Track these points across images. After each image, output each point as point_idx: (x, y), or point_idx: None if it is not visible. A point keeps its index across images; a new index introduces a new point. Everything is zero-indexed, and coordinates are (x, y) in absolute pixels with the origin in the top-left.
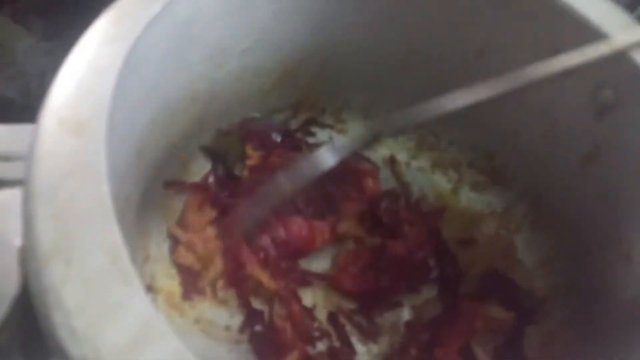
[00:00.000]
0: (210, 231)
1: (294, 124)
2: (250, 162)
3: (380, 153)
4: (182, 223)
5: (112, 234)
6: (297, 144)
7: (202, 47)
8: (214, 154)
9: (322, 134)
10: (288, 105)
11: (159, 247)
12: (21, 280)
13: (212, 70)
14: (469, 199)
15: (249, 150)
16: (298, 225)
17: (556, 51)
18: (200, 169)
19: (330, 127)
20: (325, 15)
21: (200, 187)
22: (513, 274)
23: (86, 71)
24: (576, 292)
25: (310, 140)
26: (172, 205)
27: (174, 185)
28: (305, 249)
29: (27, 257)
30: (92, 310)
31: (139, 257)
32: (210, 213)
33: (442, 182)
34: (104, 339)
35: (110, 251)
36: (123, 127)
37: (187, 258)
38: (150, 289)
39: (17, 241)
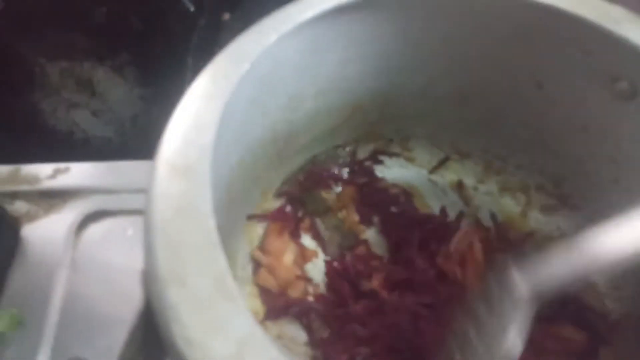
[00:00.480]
0: (288, 257)
1: (361, 154)
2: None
3: (447, 178)
4: (263, 247)
5: (218, 262)
6: (366, 172)
7: (281, 95)
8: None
9: (390, 162)
10: (355, 138)
11: (244, 270)
12: (144, 300)
13: (290, 113)
14: (538, 221)
15: (324, 194)
16: None
17: (614, 80)
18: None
19: (398, 155)
20: (385, 59)
21: (280, 216)
22: (585, 296)
23: (191, 124)
24: None
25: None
26: (254, 231)
27: (256, 216)
28: None
29: (149, 280)
30: (204, 324)
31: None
32: (288, 239)
33: (510, 205)
34: (214, 348)
35: (216, 276)
36: (218, 170)
37: (268, 280)
38: None
39: (138, 265)
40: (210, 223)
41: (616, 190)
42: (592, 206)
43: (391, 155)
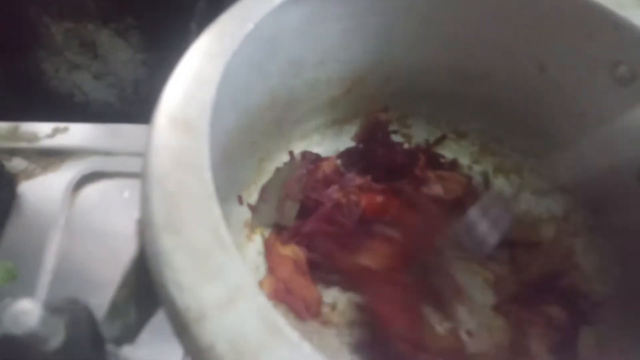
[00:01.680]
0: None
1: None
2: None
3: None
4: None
5: (214, 212)
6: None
7: (282, 60)
8: None
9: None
10: (354, 113)
11: (239, 234)
12: (138, 246)
13: (290, 80)
14: (529, 202)
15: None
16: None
17: (615, 64)
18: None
19: (395, 132)
20: (388, 33)
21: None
22: (571, 277)
23: (192, 81)
24: (633, 299)
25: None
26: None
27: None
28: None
29: (144, 228)
30: (196, 271)
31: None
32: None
33: (503, 185)
34: (205, 294)
35: (211, 225)
36: (216, 130)
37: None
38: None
39: (135, 215)
40: (207, 176)
41: (609, 176)
42: (584, 191)
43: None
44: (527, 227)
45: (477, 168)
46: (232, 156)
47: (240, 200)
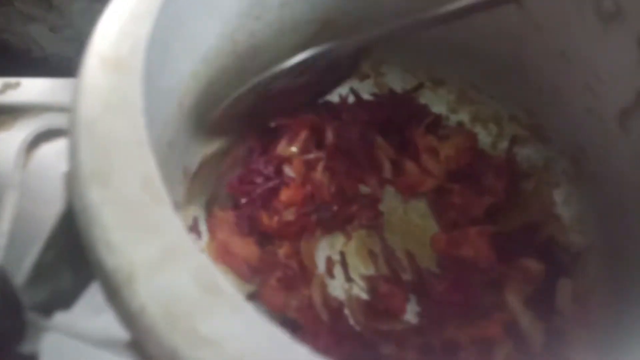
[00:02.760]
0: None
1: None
2: None
3: None
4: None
5: (146, 161)
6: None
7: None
8: None
9: (360, 86)
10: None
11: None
12: (65, 202)
13: (251, 23)
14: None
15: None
16: None
17: None
18: None
19: (368, 77)
20: None
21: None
22: (550, 228)
23: (127, 16)
24: (612, 250)
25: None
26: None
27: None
28: None
29: (71, 180)
30: (127, 228)
31: (181, 196)
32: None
33: (481, 135)
34: (136, 252)
35: (144, 176)
36: (165, 75)
37: None
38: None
39: (63, 168)
40: (140, 120)
41: (589, 121)
42: (562, 138)
43: (362, 78)
44: (505, 178)
45: (454, 118)
46: (189, 106)
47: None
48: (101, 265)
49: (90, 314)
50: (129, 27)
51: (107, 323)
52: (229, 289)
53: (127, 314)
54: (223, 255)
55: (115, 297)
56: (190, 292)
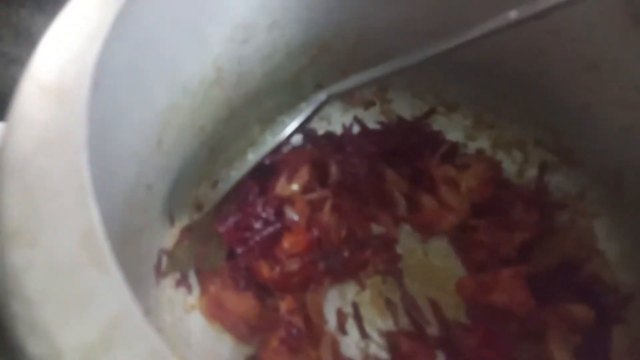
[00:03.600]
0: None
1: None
2: None
3: None
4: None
5: (87, 212)
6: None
7: (223, 21)
8: None
9: (365, 115)
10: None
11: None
12: None
13: (237, 47)
14: (536, 181)
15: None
16: None
17: None
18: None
19: (373, 104)
20: None
21: None
22: (593, 266)
23: (73, 34)
24: None
25: None
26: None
27: None
28: None
29: None
30: (57, 301)
31: (168, 243)
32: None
33: (505, 163)
34: (67, 336)
35: (83, 232)
36: (137, 106)
37: None
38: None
39: None
40: (81, 159)
41: (626, 140)
42: (597, 161)
43: (367, 106)
44: (537, 211)
45: (473, 145)
46: (171, 144)
47: (171, 219)
48: (21, 352)
49: None
50: (75, 48)
51: None
52: None
53: None
54: (216, 311)
55: None
56: None
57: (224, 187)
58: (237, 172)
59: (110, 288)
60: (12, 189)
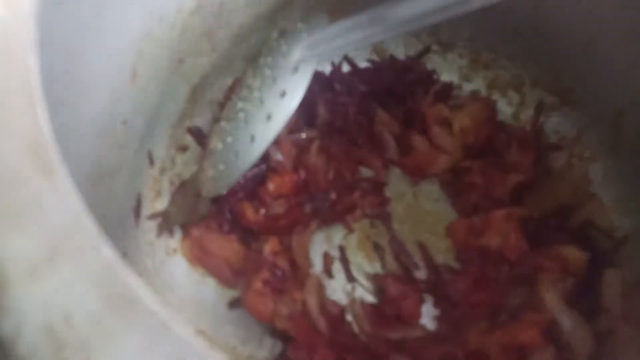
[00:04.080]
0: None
1: None
2: None
3: None
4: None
5: (34, 117)
6: None
7: None
8: None
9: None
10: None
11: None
12: None
13: None
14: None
15: None
16: None
17: None
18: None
19: None
20: None
21: None
22: (587, 210)
23: None
24: None
25: None
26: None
27: None
28: None
29: None
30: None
31: (149, 187)
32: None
33: (501, 105)
34: (9, 248)
35: (30, 138)
36: (109, 32)
37: None
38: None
39: None
40: (31, 62)
41: (633, 76)
42: (597, 101)
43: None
44: (532, 153)
45: (468, 87)
46: (146, 76)
47: (150, 158)
48: None
49: None
50: None
51: None
52: (145, 301)
53: None
54: (199, 255)
55: None
56: (88, 307)
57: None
58: (227, 124)
59: (58, 197)
60: None
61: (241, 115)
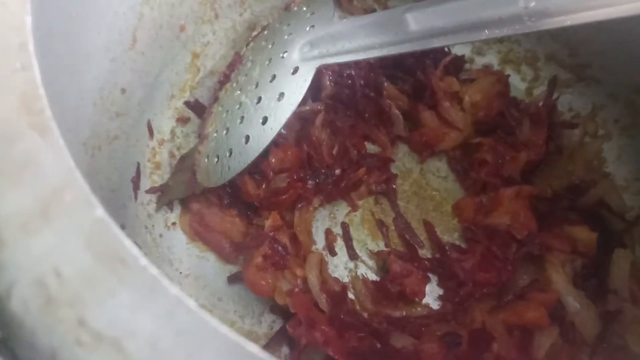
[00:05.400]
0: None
1: None
2: None
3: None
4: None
5: (28, 72)
6: None
7: None
8: None
9: None
10: None
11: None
12: None
13: None
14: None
15: None
16: None
17: None
18: (215, 65)
19: (373, 10)
20: None
21: None
22: (599, 190)
23: None
24: None
25: None
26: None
27: None
28: None
29: None
30: None
31: (148, 158)
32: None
33: (513, 80)
34: (3, 203)
35: (23, 92)
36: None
37: None
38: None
39: None
40: (25, 18)
41: None
42: (616, 79)
43: (365, 12)
44: (545, 130)
45: (480, 61)
46: (147, 45)
47: (150, 129)
48: None
49: None
50: None
51: None
52: (135, 259)
53: None
54: (199, 229)
55: None
56: (79, 263)
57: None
58: (223, 115)
59: (52, 154)
60: None
61: (237, 109)
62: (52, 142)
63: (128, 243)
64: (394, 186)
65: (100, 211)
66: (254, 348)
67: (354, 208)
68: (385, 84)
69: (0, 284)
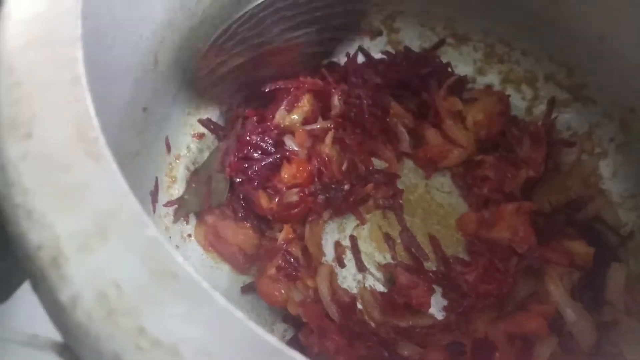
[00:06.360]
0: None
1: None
2: None
3: None
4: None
5: (81, 104)
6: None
7: None
8: None
9: (372, 45)
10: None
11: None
12: None
13: None
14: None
15: None
16: None
17: None
18: None
19: (380, 33)
20: None
21: None
22: (596, 205)
23: None
24: None
25: None
26: None
27: None
28: None
29: None
30: (53, 190)
31: (165, 173)
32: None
33: (514, 99)
34: (64, 224)
35: (77, 124)
36: (132, 20)
37: None
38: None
39: None
40: (76, 54)
41: None
42: (611, 99)
43: (373, 35)
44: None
45: (482, 80)
46: (167, 65)
47: (167, 144)
48: (21, 240)
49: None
50: None
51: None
52: (186, 274)
53: (54, 306)
54: (213, 241)
55: (41, 283)
56: (136, 278)
57: None
58: None
59: (106, 178)
60: (4, 83)
61: None
62: (105, 167)
63: (179, 259)
64: (401, 201)
65: (152, 230)
66: (294, 353)
67: (362, 221)
68: (392, 103)
69: (66, 295)
